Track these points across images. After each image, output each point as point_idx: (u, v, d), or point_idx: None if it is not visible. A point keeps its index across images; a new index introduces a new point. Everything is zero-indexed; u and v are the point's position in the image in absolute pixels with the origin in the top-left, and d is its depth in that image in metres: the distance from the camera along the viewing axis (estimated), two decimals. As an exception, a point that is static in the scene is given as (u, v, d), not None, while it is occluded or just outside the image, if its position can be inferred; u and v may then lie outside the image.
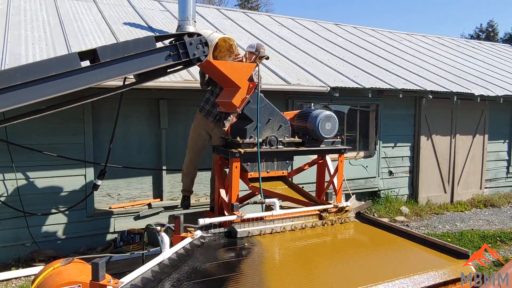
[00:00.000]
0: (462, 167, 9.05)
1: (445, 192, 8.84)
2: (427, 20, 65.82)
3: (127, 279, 2.39)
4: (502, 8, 58.89)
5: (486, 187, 9.52)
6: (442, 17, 66.32)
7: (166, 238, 2.81)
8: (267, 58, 4.65)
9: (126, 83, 3.64)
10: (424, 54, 11.09)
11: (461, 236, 6.56)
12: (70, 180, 5.33)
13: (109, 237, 5.62)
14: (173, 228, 3.12)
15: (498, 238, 6.54)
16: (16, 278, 4.58)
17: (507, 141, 9.84)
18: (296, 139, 4.09)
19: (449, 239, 6.29)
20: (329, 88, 6.53)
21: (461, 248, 3.23)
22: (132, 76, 3.51)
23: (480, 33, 31.94)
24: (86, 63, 3.01)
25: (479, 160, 9.34)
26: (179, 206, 5.83)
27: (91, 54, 3.13)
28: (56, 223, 5.29)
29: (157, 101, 5.80)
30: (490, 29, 31.88)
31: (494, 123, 9.44)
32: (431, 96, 7.72)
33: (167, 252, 2.75)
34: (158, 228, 2.93)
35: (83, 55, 3.06)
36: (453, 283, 2.98)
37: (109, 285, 2.26)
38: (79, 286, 2.51)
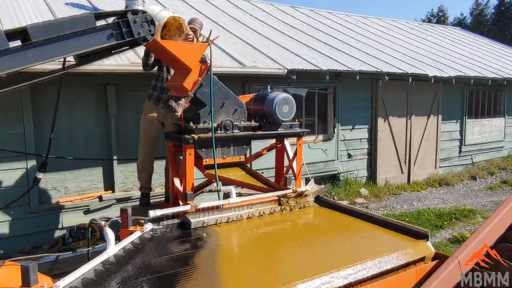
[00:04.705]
0: (418, 148, 9.25)
1: (402, 173, 9.01)
2: (381, 4, 67.14)
3: (64, 282, 2.15)
4: (451, -7, 61.15)
5: (440, 166, 9.80)
6: (395, 2, 67.84)
7: (110, 234, 2.56)
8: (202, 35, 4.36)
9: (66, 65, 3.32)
10: (380, 37, 11.19)
11: (419, 215, 6.69)
12: (10, 174, 4.91)
13: (58, 233, 5.27)
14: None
15: (453, 216, 6.72)
16: None
17: (459, 121, 10.14)
18: (253, 123, 3.91)
19: (407, 219, 6.38)
20: (286, 71, 6.38)
21: (421, 229, 3.20)
22: (72, 58, 3.21)
23: (432, 18, 32.94)
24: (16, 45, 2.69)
25: (434, 140, 9.58)
26: (133, 198, 5.58)
27: (21, 34, 2.79)
28: (-4, 221, 4.88)
29: (104, 86, 5.42)
30: (441, 14, 32.95)
31: (447, 104, 9.68)
32: (387, 78, 7.77)
33: (112, 248, 2.51)
34: (103, 223, 2.68)
35: (11, 35, 2.73)
36: (413, 264, 2.95)
37: (43, 291, 2.01)
38: (10, 292, 2.23)
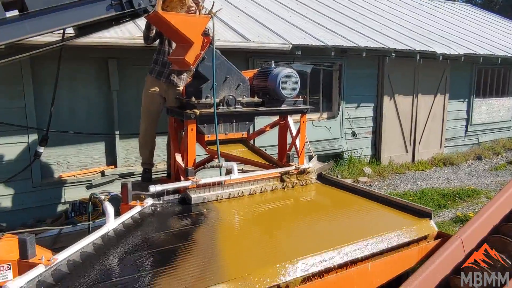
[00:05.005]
0: (423, 127, 9.13)
1: (407, 152, 8.93)
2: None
3: (62, 255, 2.13)
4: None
5: (445, 146, 9.70)
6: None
7: (110, 208, 2.54)
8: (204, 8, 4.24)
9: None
10: (388, 13, 10.92)
11: (422, 195, 6.66)
12: (11, 148, 4.89)
13: (60, 208, 5.28)
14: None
15: (457, 195, 6.68)
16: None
17: (466, 100, 9.98)
18: (256, 99, 3.84)
19: (410, 198, 6.35)
20: (291, 46, 6.25)
21: (424, 207, 3.17)
22: (72, 30, 3.14)
23: (442, -6, 32.19)
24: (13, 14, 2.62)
25: (440, 120, 9.45)
26: (135, 174, 5.56)
27: (18, 3, 2.72)
28: (-2, 195, 4.89)
29: (106, 60, 5.32)
30: (451, -10, 32.16)
31: (454, 82, 9.50)
32: (394, 55, 7.61)
33: (111, 223, 2.50)
34: (102, 197, 2.66)
35: (8, 5, 2.66)
36: (416, 243, 2.92)
37: (40, 263, 2.00)
38: (9, 265, 2.22)
